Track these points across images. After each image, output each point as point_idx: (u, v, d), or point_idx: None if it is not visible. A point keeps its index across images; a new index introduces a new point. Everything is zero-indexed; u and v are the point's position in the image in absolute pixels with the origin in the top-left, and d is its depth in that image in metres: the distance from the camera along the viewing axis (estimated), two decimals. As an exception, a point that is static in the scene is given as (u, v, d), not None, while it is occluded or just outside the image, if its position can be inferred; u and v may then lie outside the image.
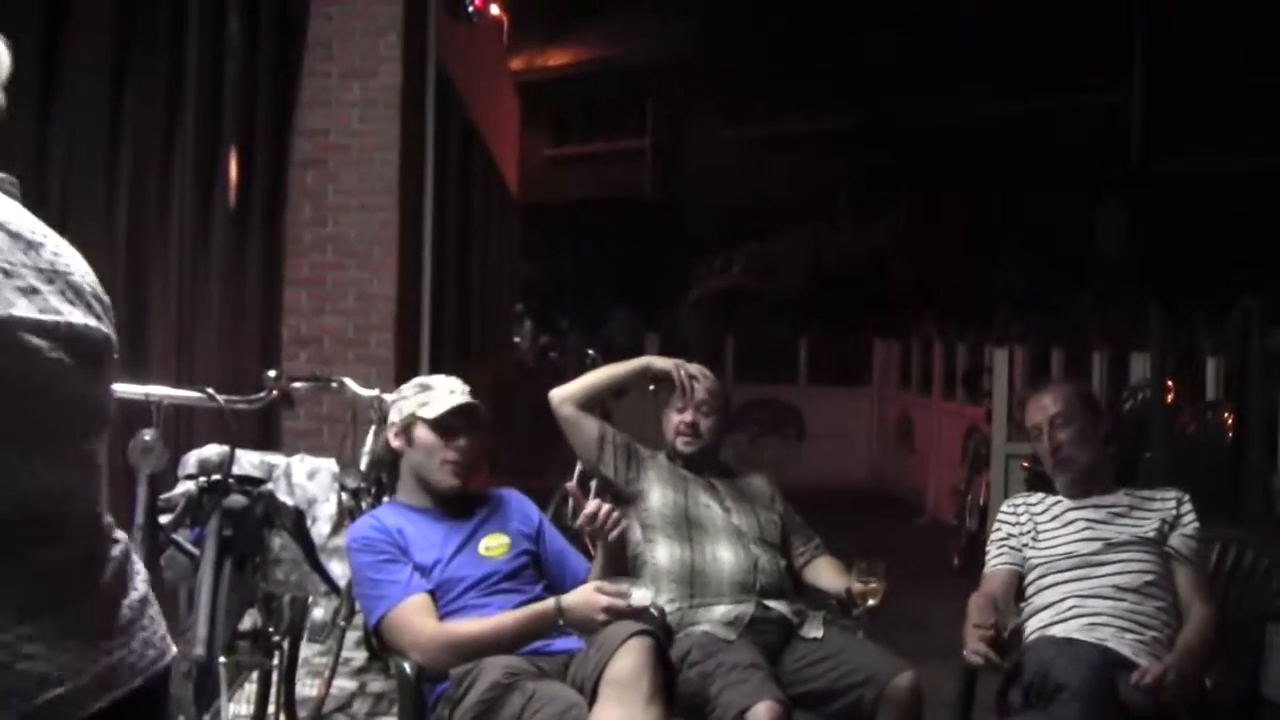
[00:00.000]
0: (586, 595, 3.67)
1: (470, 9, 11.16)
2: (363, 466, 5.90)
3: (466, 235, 11.82)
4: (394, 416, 4.10)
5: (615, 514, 3.82)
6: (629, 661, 3.64)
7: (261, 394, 5.05)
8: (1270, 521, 6.09)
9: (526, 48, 22.86)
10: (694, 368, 4.70)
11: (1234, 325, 6.65)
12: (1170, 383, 7.52)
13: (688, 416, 4.72)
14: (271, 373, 5.19)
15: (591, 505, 3.81)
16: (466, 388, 4.10)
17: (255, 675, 4.96)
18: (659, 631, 4.03)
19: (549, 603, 3.67)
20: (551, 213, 22.76)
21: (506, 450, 9.01)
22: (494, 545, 3.97)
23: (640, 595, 3.73)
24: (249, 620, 4.84)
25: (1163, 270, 17.04)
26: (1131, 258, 18.68)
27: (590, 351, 11.23)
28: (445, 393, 3.99)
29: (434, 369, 8.44)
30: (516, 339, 16.45)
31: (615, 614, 3.64)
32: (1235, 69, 18.31)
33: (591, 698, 3.67)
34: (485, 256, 13.63)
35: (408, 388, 4.14)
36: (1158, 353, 7.46)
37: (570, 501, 8.94)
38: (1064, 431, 4.36)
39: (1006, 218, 19.67)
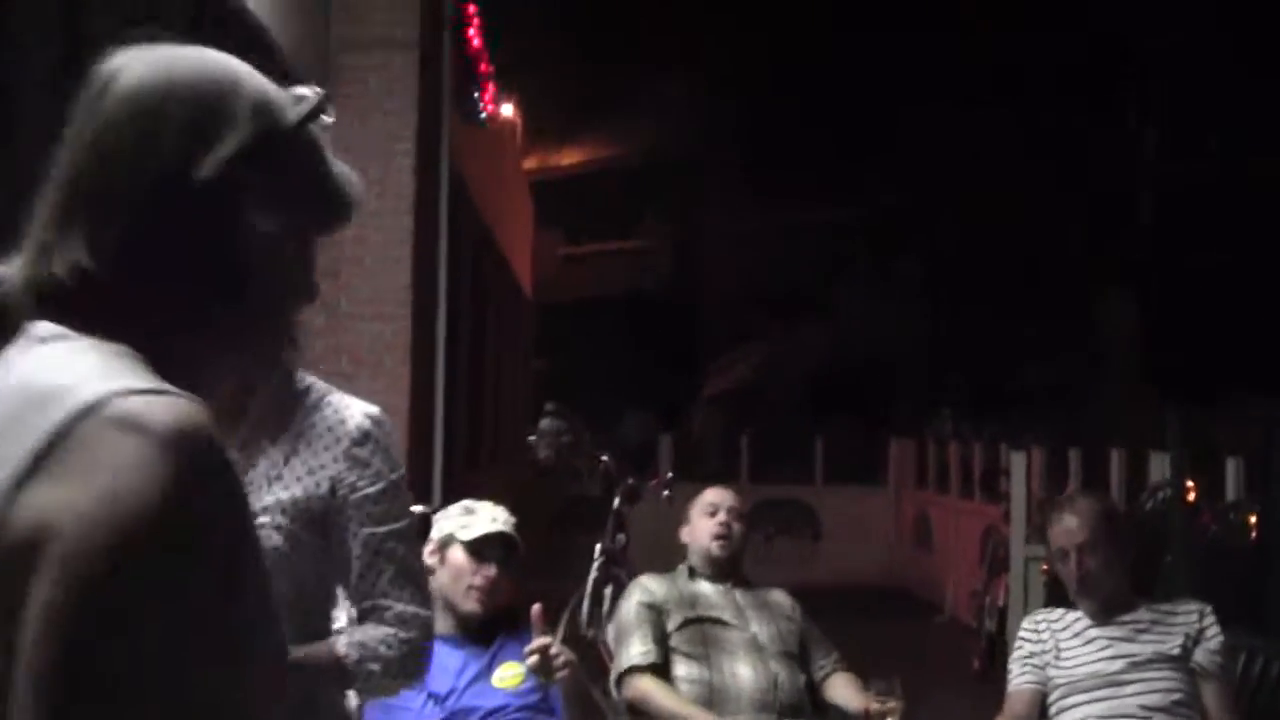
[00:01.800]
0: None
1: (482, 113, 11.26)
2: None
3: (479, 338, 11.83)
4: (434, 534, 4.05)
5: (562, 656, 3.56)
6: None
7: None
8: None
9: (540, 148, 23.05)
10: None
11: (1257, 427, 6.61)
12: (1190, 483, 7.46)
13: (721, 517, 4.75)
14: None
15: (539, 641, 3.53)
16: (511, 519, 4.04)
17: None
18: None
19: None
20: (565, 310, 22.85)
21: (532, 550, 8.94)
22: (508, 676, 3.90)
23: None
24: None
25: (1177, 365, 17.00)
26: (1146, 351, 18.64)
27: (604, 457, 11.20)
28: (488, 519, 3.93)
29: (446, 476, 8.41)
30: (531, 438, 16.38)
31: None
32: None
33: None
34: (499, 358, 13.65)
35: (453, 509, 4.10)
36: (1177, 453, 7.40)
37: (584, 610, 8.96)
38: (1091, 559, 4.29)
39: (1022, 313, 19.65)
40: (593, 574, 9.22)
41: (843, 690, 4.69)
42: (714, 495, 4.89)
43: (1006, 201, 19.44)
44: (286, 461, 2.30)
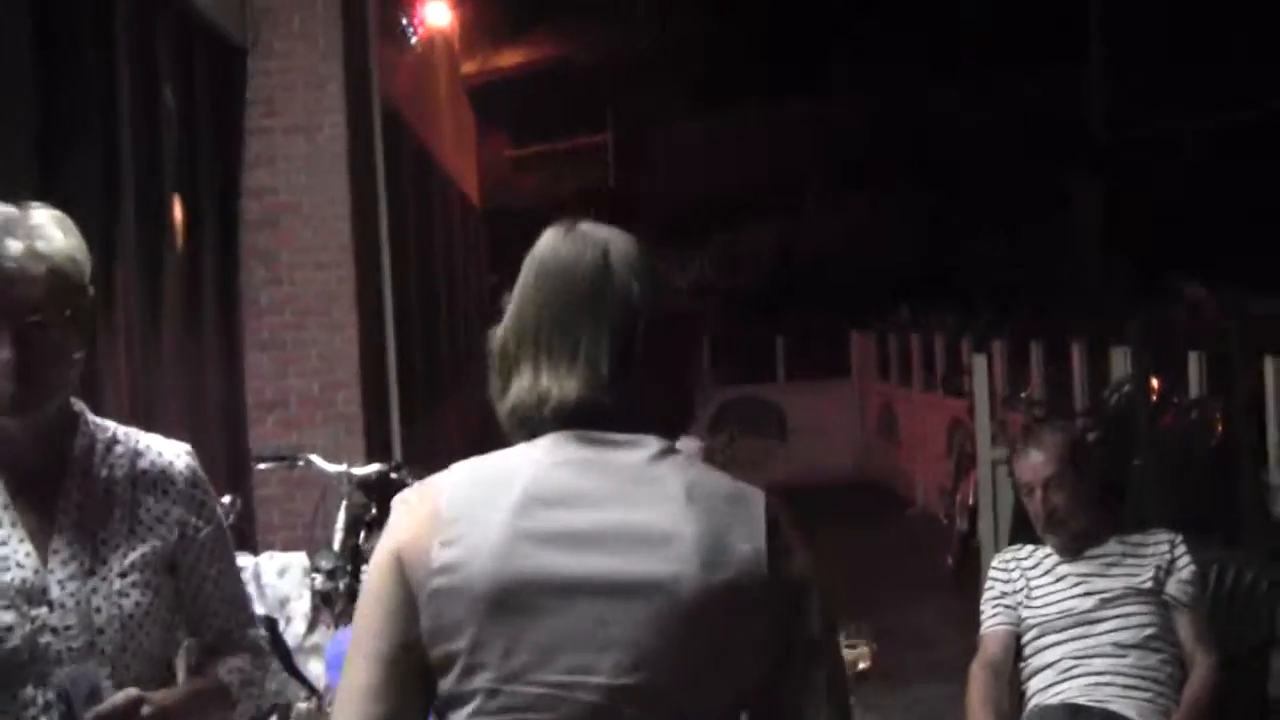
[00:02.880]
0: None
1: (413, 35, 10.99)
2: (335, 545, 5.74)
3: (428, 264, 11.65)
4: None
5: None
6: None
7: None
8: (1267, 531, 5.97)
9: (481, 49, 22.63)
10: None
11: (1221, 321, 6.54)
12: (1154, 380, 7.39)
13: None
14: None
15: None
16: None
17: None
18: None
19: None
20: (516, 217, 22.56)
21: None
22: None
23: None
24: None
25: (1140, 256, 16.91)
26: (1106, 231, 18.55)
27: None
28: None
29: (405, 423, 8.30)
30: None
31: None
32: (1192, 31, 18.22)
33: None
34: (451, 281, 13.47)
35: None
36: (1138, 349, 7.35)
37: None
38: (1058, 495, 4.22)
39: (978, 198, 19.53)
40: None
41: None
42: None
43: (968, 88, 19.29)
44: (133, 514, 2.28)
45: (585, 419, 1.83)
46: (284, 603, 5.00)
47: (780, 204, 21.54)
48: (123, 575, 2.23)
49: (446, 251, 13.24)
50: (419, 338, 10.39)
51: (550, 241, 1.93)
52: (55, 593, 2.18)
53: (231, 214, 7.31)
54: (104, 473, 2.27)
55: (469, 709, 1.75)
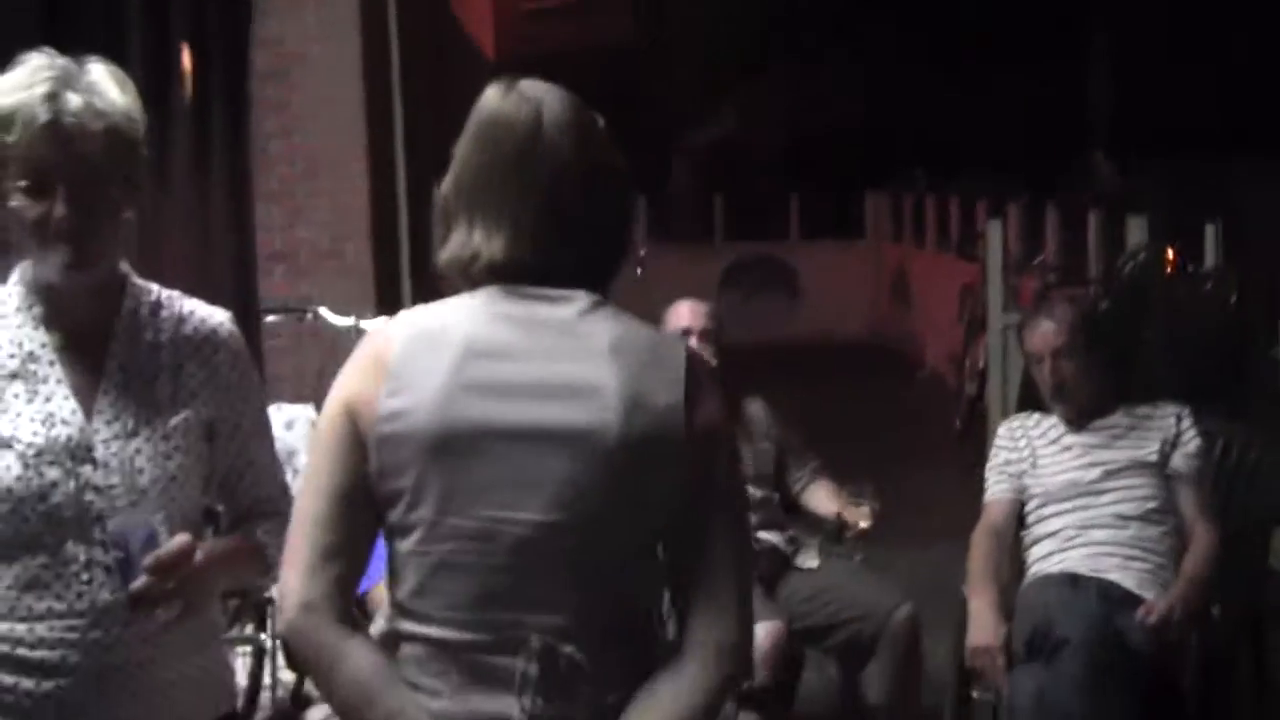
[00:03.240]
0: None
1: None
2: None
3: (442, 118, 11.52)
4: None
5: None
6: None
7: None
8: (1276, 406, 5.95)
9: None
10: None
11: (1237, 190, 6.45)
12: (1169, 249, 7.32)
13: (693, 344, 4.57)
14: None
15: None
16: None
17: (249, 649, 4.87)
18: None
19: None
20: (533, 68, 22.26)
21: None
22: None
23: None
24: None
25: (1157, 123, 16.60)
26: (1125, 108, 18.23)
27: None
28: None
29: (414, 271, 8.26)
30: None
31: None
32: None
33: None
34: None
35: None
36: (1154, 216, 7.28)
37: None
38: (1067, 366, 4.21)
39: (996, 63, 19.19)
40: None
41: (820, 497, 4.66)
42: (685, 313, 4.66)
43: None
44: (176, 378, 2.27)
45: (513, 275, 1.98)
46: (291, 455, 5.00)
47: (801, 59, 21.22)
48: (166, 438, 2.22)
49: (460, 103, 13.09)
50: (431, 190, 10.31)
51: (489, 99, 2.05)
52: (100, 451, 2.17)
53: (241, 64, 7.20)
54: (149, 336, 2.25)
55: (414, 537, 1.93)
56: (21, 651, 2.14)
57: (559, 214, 1.98)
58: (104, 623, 2.16)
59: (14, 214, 2.12)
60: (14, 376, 2.17)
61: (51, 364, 2.18)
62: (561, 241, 1.98)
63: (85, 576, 2.15)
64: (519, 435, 1.91)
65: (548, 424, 1.91)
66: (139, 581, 2.08)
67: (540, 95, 2.02)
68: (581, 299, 1.97)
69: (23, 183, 2.10)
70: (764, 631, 3.92)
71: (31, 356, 2.18)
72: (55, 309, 2.20)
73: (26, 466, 2.13)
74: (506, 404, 1.91)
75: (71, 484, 2.15)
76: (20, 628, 2.14)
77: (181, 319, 2.30)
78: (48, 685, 2.14)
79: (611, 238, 2.07)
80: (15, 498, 2.13)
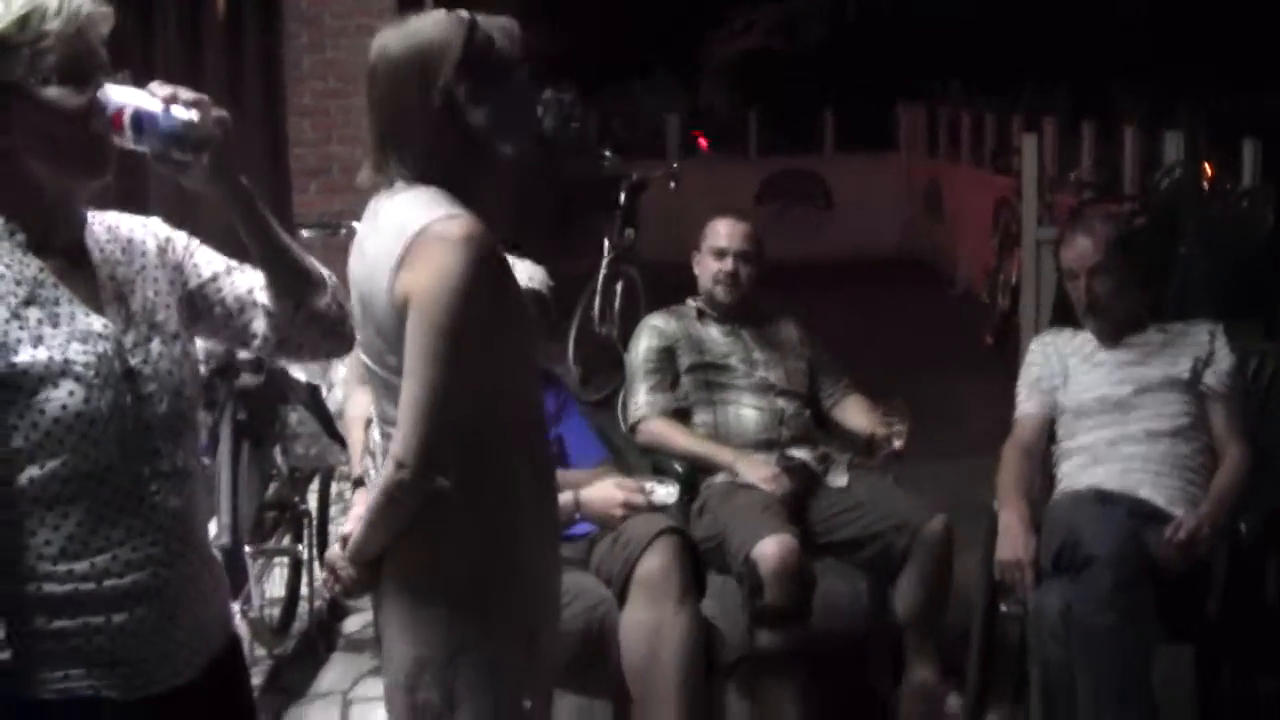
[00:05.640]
0: (606, 491, 3.60)
1: None
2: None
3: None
4: None
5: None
6: (658, 561, 3.63)
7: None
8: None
9: None
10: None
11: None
12: (1207, 166, 7.27)
13: (728, 265, 4.60)
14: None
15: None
16: (548, 281, 3.95)
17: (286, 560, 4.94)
18: (685, 527, 3.99)
19: (566, 496, 3.61)
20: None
21: (536, 231, 8.81)
22: None
23: (662, 493, 3.67)
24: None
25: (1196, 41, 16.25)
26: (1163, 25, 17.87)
27: (606, 153, 11.00)
28: (524, 277, 3.79)
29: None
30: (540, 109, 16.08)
31: (635, 509, 3.59)
32: None
33: (620, 594, 3.66)
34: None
35: None
36: (1190, 133, 7.22)
37: (598, 305, 8.91)
38: (1102, 283, 4.19)
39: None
40: (602, 271, 9.17)
41: (852, 413, 4.69)
42: (724, 233, 4.64)
43: None
44: (144, 282, 2.23)
45: (384, 183, 2.55)
46: (325, 370, 5.06)
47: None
48: (175, 336, 2.19)
49: (494, 10, 13.01)
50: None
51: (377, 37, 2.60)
52: (134, 361, 2.13)
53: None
54: (111, 247, 2.22)
55: None
56: (110, 583, 2.08)
57: (393, 137, 2.52)
58: (171, 535, 2.14)
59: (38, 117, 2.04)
60: (28, 303, 2.07)
61: (56, 286, 2.10)
62: (400, 160, 2.51)
63: (154, 488, 2.12)
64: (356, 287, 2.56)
65: (362, 279, 2.54)
66: None
67: (388, 35, 2.56)
68: (400, 188, 2.51)
69: (65, 71, 2.04)
70: (773, 547, 3.95)
71: (37, 281, 2.09)
72: (40, 230, 2.12)
73: (90, 389, 2.06)
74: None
75: (129, 398, 2.10)
76: (102, 559, 2.07)
77: (116, 227, 2.25)
78: (120, 618, 2.08)
79: (447, 152, 2.52)
80: (86, 422, 2.05)
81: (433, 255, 2.40)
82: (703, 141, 17.09)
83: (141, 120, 2.05)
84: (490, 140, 2.51)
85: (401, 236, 2.42)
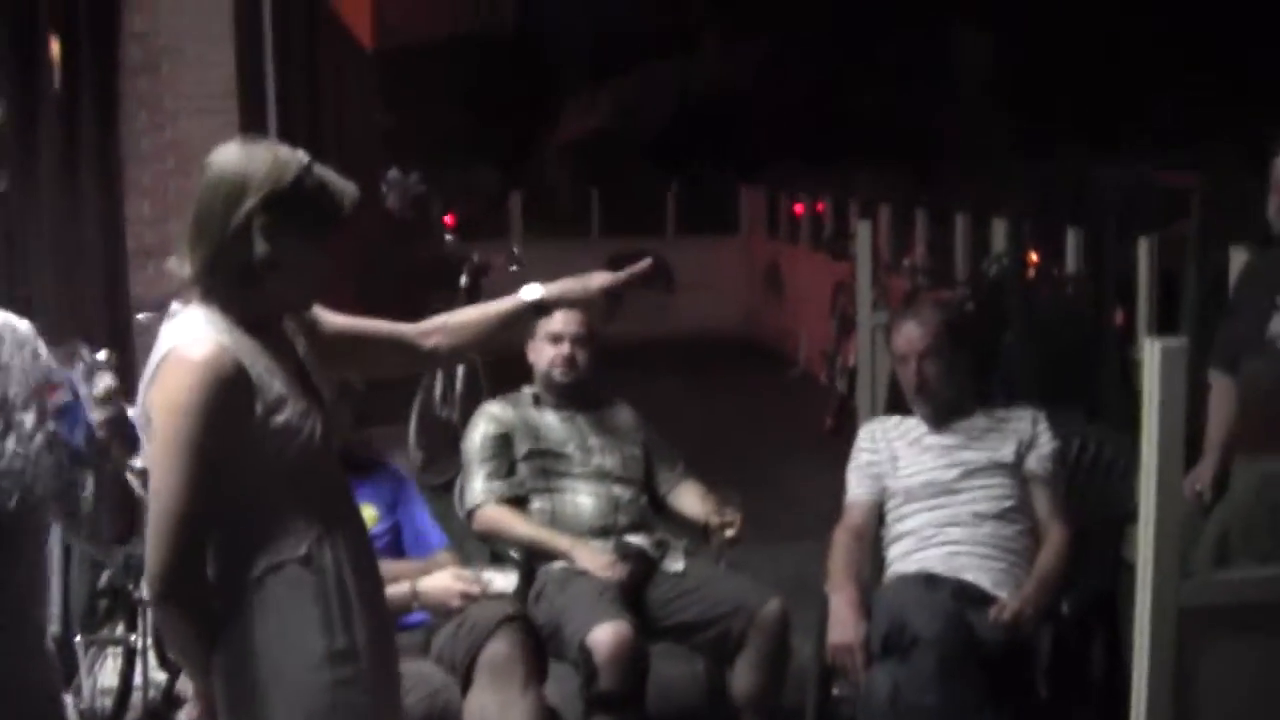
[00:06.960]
0: (443, 582, 3.62)
1: None
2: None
3: (315, 113, 11.44)
4: None
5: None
6: (503, 647, 3.66)
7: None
8: (1130, 407, 6.13)
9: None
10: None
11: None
12: (1033, 253, 7.51)
13: (564, 350, 4.62)
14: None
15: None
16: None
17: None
18: (529, 614, 4.01)
19: (402, 586, 3.61)
20: (409, 58, 22.17)
21: (378, 311, 8.73)
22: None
23: (500, 582, 3.69)
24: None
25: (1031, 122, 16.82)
26: (997, 89, 18.52)
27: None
28: None
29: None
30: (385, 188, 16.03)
31: (472, 600, 3.61)
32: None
33: (464, 680, 3.68)
34: (340, 125, 13.24)
35: None
36: (1016, 220, 7.45)
37: (439, 388, 8.89)
38: (931, 366, 4.34)
39: (869, 50, 19.38)
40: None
41: (687, 500, 4.73)
42: (559, 318, 4.70)
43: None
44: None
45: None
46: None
47: (677, 48, 21.24)
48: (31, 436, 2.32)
49: (337, 100, 12.99)
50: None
51: None
52: None
53: (111, 57, 7.11)
54: None
55: None
56: None
57: (191, 234, 2.63)
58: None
59: None
60: None
61: None
62: (190, 253, 2.62)
63: None
64: None
65: None
66: None
67: (221, 149, 2.69)
68: (181, 308, 2.66)
69: None
70: (607, 634, 3.99)
71: None
72: None
73: None
74: None
75: None
76: None
77: None
78: None
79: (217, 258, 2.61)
80: None
81: (169, 376, 2.54)
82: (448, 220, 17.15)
83: None
84: (269, 276, 2.61)
85: (157, 355, 2.57)
